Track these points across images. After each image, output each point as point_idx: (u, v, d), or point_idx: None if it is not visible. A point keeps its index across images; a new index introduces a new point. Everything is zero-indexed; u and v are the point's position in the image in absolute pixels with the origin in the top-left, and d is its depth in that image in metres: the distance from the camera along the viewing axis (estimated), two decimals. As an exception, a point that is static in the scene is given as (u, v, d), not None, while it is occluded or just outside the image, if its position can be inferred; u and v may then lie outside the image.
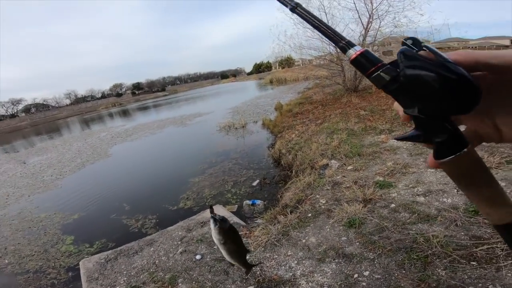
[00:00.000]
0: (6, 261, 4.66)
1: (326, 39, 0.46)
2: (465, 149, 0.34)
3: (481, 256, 1.91)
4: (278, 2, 0.51)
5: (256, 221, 3.91)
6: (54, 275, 4.05)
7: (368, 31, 10.33)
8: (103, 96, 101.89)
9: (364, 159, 4.45)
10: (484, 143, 0.38)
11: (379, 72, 0.37)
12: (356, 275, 2.14)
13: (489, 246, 1.96)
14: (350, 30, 11.28)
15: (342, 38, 0.43)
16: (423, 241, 2.21)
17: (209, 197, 5.66)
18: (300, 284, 2.23)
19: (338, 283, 2.11)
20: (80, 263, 3.49)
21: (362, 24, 10.39)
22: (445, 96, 0.33)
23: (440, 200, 2.77)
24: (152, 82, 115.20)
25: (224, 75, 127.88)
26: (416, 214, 2.64)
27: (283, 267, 2.48)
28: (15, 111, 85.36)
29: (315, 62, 14.45)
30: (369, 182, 3.57)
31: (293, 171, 5.54)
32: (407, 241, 2.30)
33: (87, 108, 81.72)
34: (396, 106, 0.39)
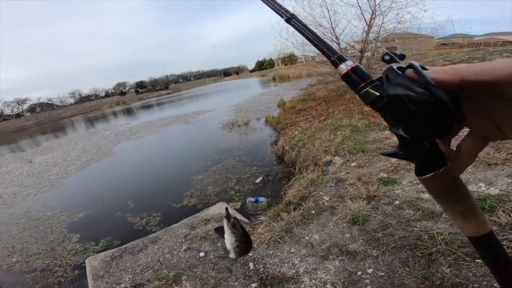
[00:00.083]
0: (14, 259, 4.73)
1: (324, 47, 0.45)
2: (442, 169, 0.36)
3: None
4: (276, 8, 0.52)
5: (259, 218, 3.92)
6: (60, 273, 4.10)
7: (371, 27, 10.22)
8: (107, 95, 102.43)
9: (368, 155, 4.42)
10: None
11: (368, 88, 0.38)
12: (359, 273, 2.13)
13: (494, 243, 1.94)
14: (352, 26, 11.17)
15: (334, 52, 0.43)
16: (427, 238, 2.19)
17: (212, 194, 5.68)
18: (303, 281, 2.22)
19: (342, 280, 2.10)
20: (86, 261, 3.53)
21: (365, 20, 10.27)
22: (423, 120, 0.34)
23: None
24: (155, 81, 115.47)
25: (226, 73, 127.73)
26: (420, 211, 2.62)
27: (286, 264, 2.48)
28: (21, 110, 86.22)
29: (318, 59, 14.35)
30: (373, 179, 3.55)
31: (297, 168, 5.53)
32: (411, 238, 2.29)
33: (91, 107, 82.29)
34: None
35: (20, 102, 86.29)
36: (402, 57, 0.43)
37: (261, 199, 4.75)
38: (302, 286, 2.19)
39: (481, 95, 0.31)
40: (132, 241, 3.72)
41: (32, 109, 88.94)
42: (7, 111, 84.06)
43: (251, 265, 2.62)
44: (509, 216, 2.12)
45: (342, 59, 0.41)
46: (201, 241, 3.27)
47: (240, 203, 5.05)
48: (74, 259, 4.38)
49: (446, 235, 2.15)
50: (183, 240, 3.41)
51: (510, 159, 3.01)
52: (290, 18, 0.48)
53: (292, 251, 2.63)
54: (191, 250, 3.12)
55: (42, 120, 69.55)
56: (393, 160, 3.95)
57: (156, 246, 3.41)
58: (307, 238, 2.78)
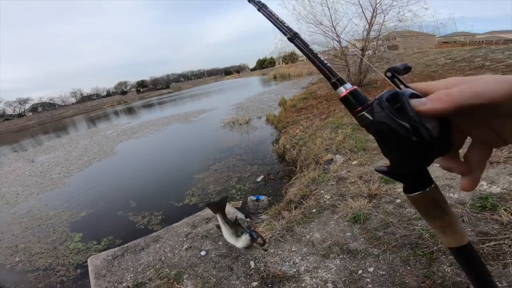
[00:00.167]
0: (17, 259, 4.76)
1: (324, 68, 0.46)
2: (424, 190, 0.40)
3: (487, 253, 1.88)
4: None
5: (260, 217, 3.92)
6: (63, 272, 4.12)
7: (372, 25, 10.18)
8: (108, 94, 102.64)
9: (369, 153, 4.41)
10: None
11: (364, 112, 0.40)
12: (360, 271, 2.13)
13: (496, 243, 1.93)
14: (353, 24, 11.13)
15: (334, 74, 0.44)
16: (428, 237, 2.18)
17: (213, 193, 5.69)
18: (304, 280, 2.23)
19: (342, 279, 2.10)
20: (88, 260, 3.54)
21: (366, 19, 10.23)
22: (404, 153, 0.37)
23: (447, 195, 2.73)
24: (156, 80, 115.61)
25: (227, 72, 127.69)
26: (422, 210, 2.61)
27: (287, 263, 2.48)
28: (22, 110, 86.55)
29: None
30: (374, 177, 3.54)
31: (298, 166, 5.53)
32: (412, 237, 2.28)
33: (92, 107, 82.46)
34: None
35: (22, 102, 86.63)
36: (406, 70, 0.45)
37: (262, 197, 4.76)
38: (303, 285, 2.19)
39: (478, 110, 0.32)
40: (134, 240, 3.72)
41: (34, 109, 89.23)
42: (9, 111, 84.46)
43: (252, 263, 2.62)
44: (511, 214, 2.11)
45: (341, 82, 0.43)
46: (202, 240, 3.27)
47: (241, 201, 5.05)
48: (76, 258, 4.40)
49: (447, 233, 2.14)
50: (185, 239, 3.42)
51: (512, 157, 2.99)
52: (293, 37, 0.49)
53: (293, 249, 2.64)
54: (193, 249, 3.13)
55: (44, 119, 69.79)
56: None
57: (158, 245, 3.42)
58: (308, 236, 2.78)
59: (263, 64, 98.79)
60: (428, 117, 0.35)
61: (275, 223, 3.15)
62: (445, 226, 0.42)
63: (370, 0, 9.88)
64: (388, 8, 9.70)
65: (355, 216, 2.82)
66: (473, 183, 0.39)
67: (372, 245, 2.36)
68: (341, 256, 2.36)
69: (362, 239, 2.48)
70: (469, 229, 2.18)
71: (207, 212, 4.11)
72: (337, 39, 10.76)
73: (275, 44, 13.55)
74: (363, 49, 10.53)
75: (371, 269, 2.12)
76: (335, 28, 10.62)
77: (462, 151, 0.40)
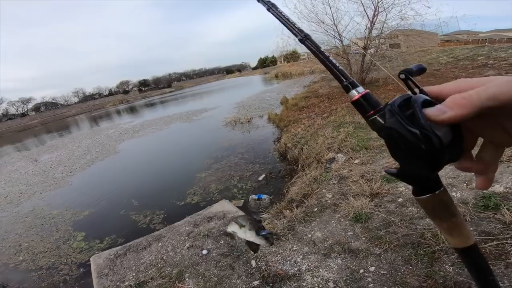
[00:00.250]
0: (21, 258, 4.79)
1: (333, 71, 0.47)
2: (433, 193, 0.41)
3: (490, 252, 1.87)
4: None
5: (261, 216, 3.92)
6: (66, 271, 4.15)
7: (374, 24, 10.13)
8: (110, 93, 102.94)
9: (371, 152, 4.40)
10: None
11: (376, 116, 0.41)
12: (361, 271, 2.12)
13: (498, 242, 1.92)
14: (355, 23, 11.08)
15: (347, 77, 0.44)
16: (430, 237, 2.17)
17: (215, 192, 5.70)
18: (305, 279, 2.23)
19: (344, 279, 2.10)
20: (91, 259, 3.55)
21: (368, 17, 10.18)
22: (413, 159, 0.38)
23: (449, 194, 2.71)
24: (158, 79, 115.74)
25: (229, 71, 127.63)
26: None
27: (288, 262, 2.48)
28: (25, 110, 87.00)
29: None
30: (376, 176, 3.53)
31: (299, 165, 5.52)
32: (414, 236, 2.27)
33: (95, 106, 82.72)
34: None
35: (25, 101, 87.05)
36: (420, 71, 0.45)
37: (264, 196, 4.76)
38: (304, 284, 2.19)
39: (491, 112, 0.32)
40: (136, 239, 3.73)
41: (36, 108, 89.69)
42: (12, 111, 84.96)
43: (253, 262, 2.63)
44: (514, 213, 2.10)
45: (354, 85, 0.43)
46: (204, 239, 3.28)
47: (242, 200, 5.06)
48: (79, 257, 4.43)
49: (449, 233, 2.13)
50: (186, 237, 3.43)
51: (515, 156, 2.97)
52: (305, 39, 0.49)
53: (294, 248, 2.63)
54: (194, 248, 3.13)
55: (47, 119, 70.09)
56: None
57: (160, 244, 3.43)
58: (309, 235, 2.78)
59: (265, 63, 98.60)
60: (439, 124, 0.36)
61: (277, 222, 3.15)
62: (452, 228, 0.43)
63: (372, -1, 9.84)
64: (390, 7, 9.66)
65: (357, 215, 2.81)
66: (488, 182, 0.41)
67: (374, 244, 2.36)
68: (342, 255, 2.35)
69: (364, 238, 2.47)
70: (471, 228, 2.16)
71: (209, 211, 4.12)
72: (338, 37, 10.72)
73: (277, 43, 13.48)
74: (365, 48, 10.49)
75: (372, 269, 2.11)
76: (336, 27, 10.58)
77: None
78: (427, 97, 0.39)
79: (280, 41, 12.87)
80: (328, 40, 11.03)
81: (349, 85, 0.44)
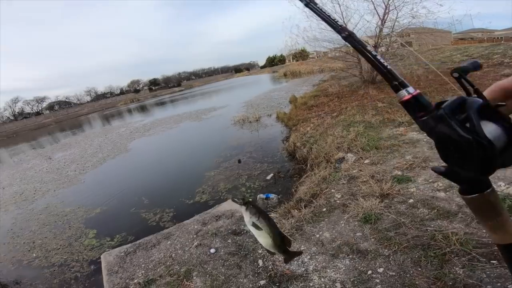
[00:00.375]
0: (34, 254, 4.92)
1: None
2: (481, 193, 0.42)
3: (503, 255, 1.82)
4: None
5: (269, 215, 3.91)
6: (77, 268, 4.24)
7: (384, 22, 9.96)
8: (122, 92, 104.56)
9: (382, 152, 4.34)
10: None
11: (428, 117, 0.41)
12: (370, 272, 2.10)
13: None
14: (365, 21, 10.92)
15: (396, 77, 0.44)
16: (441, 238, 2.13)
17: (224, 191, 5.73)
18: (312, 279, 2.21)
19: (351, 279, 2.08)
20: (102, 256, 3.62)
21: (378, 15, 10.01)
22: (464, 163, 0.38)
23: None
24: (168, 78, 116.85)
25: (238, 69, 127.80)
26: (435, 210, 2.55)
27: (295, 262, 2.47)
28: (40, 108, 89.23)
29: (331, 55, 14.14)
30: (386, 177, 3.48)
31: (308, 164, 5.49)
32: (424, 238, 2.23)
33: (107, 104, 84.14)
34: None
35: (39, 100, 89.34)
36: (476, 68, 0.46)
37: (272, 196, 4.75)
38: (311, 284, 2.18)
39: None
40: (145, 236, 3.79)
41: (50, 107, 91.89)
42: (28, 109, 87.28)
43: (260, 262, 2.63)
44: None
45: (403, 85, 0.43)
46: (212, 238, 3.30)
47: (250, 199, 5.06)
48: (90, 255, 4.52)
49: (461, 235, 2.09)
50: (195, 236, 3.46)
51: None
52: (348, 36, 0.48)
53: (302, 248, 2.62)
54: (202, 246, 3.16)
55: (60, 117, 71.69)
56: (408, 157, 3.86)
57: (169, 242, 3.46)
58: (317, 236, 2.76)
59: (273, 62, 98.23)
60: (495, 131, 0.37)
61: (285, 222, 3.15)
62: (497, 226, 0.44)
63: (382, -3, 9.67)
64: (401, 5, 9.47)
65: (366, 216, 2.78)
66: None
67: (383, 245, 2.32)
68: (350, 256, 2.33)
69: (373, 239, 2.44)
70: (484, 230, 2.11)
71: (217, 210, 4.15)
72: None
73: (285, 41, 13.40)
74: (375, 46, 10.33)
75: (380, 270, 2.08)
76: (346, 25, 10.44)
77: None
78: (483, 101, 0.39)
79: (288, 39, 12.83)
80: (338, 38, 10.86)
81: (398, 85, 0.43)
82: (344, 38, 0.48)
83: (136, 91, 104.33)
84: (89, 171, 9.92)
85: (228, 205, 4.28)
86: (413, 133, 4.70)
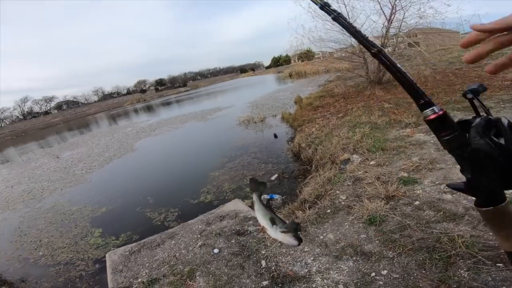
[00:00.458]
0: (41, 253, 4.99)
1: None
2: (496, 206, 0.45)
3: (510, 258, 1.79)
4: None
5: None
6: (82, 267, 4.28)
7: (391, 22, 9.86)
8: (128, 92, 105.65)
9: (388, 153, 4.29)
10: None
11: (451, 136, 0.43)
12: (373, 274, 2.08)
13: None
14: (372, 21, 10.83)
15: (423, 96, 0.46)
16: (447, 241, 2.10)
17: (228, 191, 5.74)
18: (315, 280, 2.20)
19: (354, 281, 2.06)
20: (107, 255, 3.66)
21: (385, 15, 9.92)
22: (493, 176, 0.40)
23: (469, 198, 2.61)
24: (174, 78, 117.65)
25: (243, 70, 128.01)
26: (441, 213, 2.52)
27: (298, 263, 2.46)
28: (48, 108, 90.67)
29: (336, 55, 14.07)
30: (392, 178, 3.44)
31: (313, 165, 5.46)
32: (430, 240, 2.21)
33: (113, 104, 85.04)
34: None
35: (48, 100, 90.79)
36: (484, 89, 0.50)
37: (276, 196, 4.74)
38: (314, 285, 2.17)
39: None
40: (150, 236, 3.82)
41: (58, 106, 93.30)
42: (36, 109, 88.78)
43: (263, 262, 2.63)
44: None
45: (430, 104, 0.45)
46: (215, 238, 3.31)
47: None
48: (95, 253, 4.57)
49: (467, 237, 2.06)
50: (199, 236, 3.47)
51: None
52: (378, 53, 0.50)
53: (305, 250, 2.61)
54: (206, 246, 3.17)
55: (68, 117, 72.71)
56: (415, 158, 3.82)
57: (173, 242, 3.49)
58: (321, 237, 2.75)
59: (278, 62, 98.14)
60: None
61: (288, 223, 3.13)
62: (509, 235, 0.48)
63: (389, -3, 9.59)
64: (408, 5, 9.37)
65: (371, 217, 2.75)
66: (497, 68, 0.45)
67: (387, 247, 2.30)
68: (354, 258, 2.32)
69: (377, 242, 2.42)
70: (490, 233, 2.08)
71: (222, 210, 4.16)
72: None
73: (290, 42, 13.33)
74: (382, 46, 10.21)
75: (384, 272, 2.06)
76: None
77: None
78: (510, 120, 0.43)
79: (294, 40, 12.74)
80: (344, 39, 10.82)
81: (425, 104, 0.45)
82: (373, 55, 0.49)
83: (143, 91, 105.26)
84: (96, 170, 10.02)
85: (233, 205, 4.29)
86: (420, 134, 4.65)
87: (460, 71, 10.15)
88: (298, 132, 7.94)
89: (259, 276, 2.47)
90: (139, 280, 2.85)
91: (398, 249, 2.23)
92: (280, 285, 2.29)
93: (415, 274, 1.94)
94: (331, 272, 2.24)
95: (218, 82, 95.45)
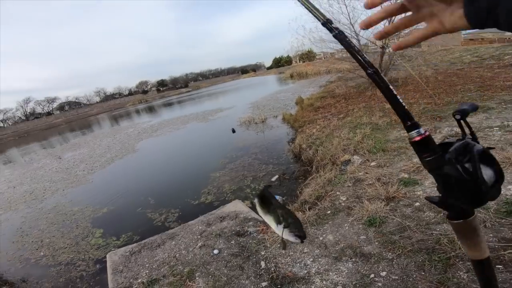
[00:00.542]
0: (42, 253, 5.00)
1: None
2: (464, 220, 0.51)
3: (508, 260, 1.79)
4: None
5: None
6: (83, 267, 4.29)
7: (392, 22, 9.84)
8: (130, 93, 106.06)
9: (389, 155, 4.29)
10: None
11: (431, 158, 0.47)
12: (372, 275, 2.08)
13: (519, 250, 1.83)
14: (373, 22, 10.77)
15: (411, 118, 0.49)
16: (446, 242, 2.10)
17: (228, 192, 5.74)
18: (314, 282, 2.20)
19: (353, 283, 2.06)
20: (107, 256, 3.67)
21: (386, 16, 9.90)
22: (462, 197, 0.46)
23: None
24: (175, 79, 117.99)
25: (244, 70, 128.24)
26: (441, 214, 2.51)
27: (298, 264, 2.46)
28: (51, 109, 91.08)
29: (338, 56, 14.05)
30: (393, 179, 3.44)
31: (314, 166, 5.46)
32: (429, 241, 2.20)
33: (115, 105, 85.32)
34: None
35: (50, 101, 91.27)
36: (474, 109, 0.55)
37: (277, 197, 4.70)
38: (313, 286, 2.16)
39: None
40: (151, 236, 3.83)
41: (61, 107, 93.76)
42: (39, 110, 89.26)
43: (262, 263, 2.63)
44: (538, 221, 1.99)
45: (416, 126, 0.48)
46: (215, 239, 3.31)
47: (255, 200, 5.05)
48: (96, 254, 4.58)
49: (467, 239, 2.05)
50: (199, 236, 3.47)
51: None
52: (374, 74, 0.51)
53: (305, 251, 2.61)
54: (206, 247, 3.17)
55: (70, 118, 72.99)
56: (415, 159, 3.81)
57: (173, 242, 3.49)
58: (321, 238, 2.75)
59: (279, 63, 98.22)
60: (486, 169, 0.45)
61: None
62: (474, 244, 0.54)
63: (390, -3, 9.56)
64: (409, 5, 9.33)
65: (371, 219, 2.75)
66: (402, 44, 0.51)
67: (387, 249, 2.30)
68: (353, 259, 2.31)
69: (377, 243, 2.42)
70: (491, 235, 2.07)
71: (222, 211, 4.16)
72: (356, 37, 10.50)
73: (291, 42, 13.35)
74: (383, 47, 10.24)
75: (383, 274, 2.06)
76: (353, 26, 10.36)
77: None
78: (483, 147, 0.48)
79: (295, 41, 12.81)
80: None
81: (411, 126, 0.48)
82: (369, 75, 0.51)
83: (144, 92, 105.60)
84: (98, 171, 10.05)
85: (233, 206, 4.29)
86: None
87: (462, 71, 10.12)
88: (299, 133, 7.93)
89: (258, 277, 2.47)
90: (139, 280, 2.86)
91: (398, 251, 2.22)
92: (279, 286, 2.29)
93: (414, 276, 1.94)
94: (330, 273, 2.24)
95: (219, 83, 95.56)
